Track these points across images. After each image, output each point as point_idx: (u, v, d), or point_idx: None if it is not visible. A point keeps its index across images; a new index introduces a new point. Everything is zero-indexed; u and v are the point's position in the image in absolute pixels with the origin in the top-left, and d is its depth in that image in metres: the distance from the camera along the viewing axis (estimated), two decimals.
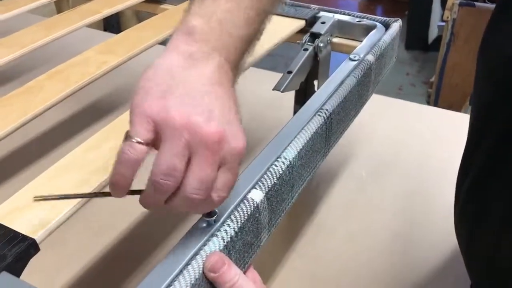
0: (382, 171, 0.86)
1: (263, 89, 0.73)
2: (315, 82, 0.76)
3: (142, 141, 0.33)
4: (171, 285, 0.35)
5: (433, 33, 2.73)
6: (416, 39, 2.92)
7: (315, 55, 0.71)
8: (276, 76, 0.68)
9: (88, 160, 0.48)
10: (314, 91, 0.71)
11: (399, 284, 0.68)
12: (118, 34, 0.72)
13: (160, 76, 0.35)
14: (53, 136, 0.88)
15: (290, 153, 0.47)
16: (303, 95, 0.78)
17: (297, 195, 0.51)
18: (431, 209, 0.78)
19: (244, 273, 0.44)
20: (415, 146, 0.91)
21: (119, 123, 0.53)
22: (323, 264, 0.69)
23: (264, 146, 0.48)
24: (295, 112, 0.70)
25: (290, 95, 0.79)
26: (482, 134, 0.46)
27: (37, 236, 0.39)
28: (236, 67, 0.40)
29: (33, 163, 0.80)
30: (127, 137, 0.34)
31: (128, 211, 0.74)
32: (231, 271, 0.37)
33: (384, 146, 0.92)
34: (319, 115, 0.52)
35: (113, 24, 2.49)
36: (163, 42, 0.79)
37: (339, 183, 0.84)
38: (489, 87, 0.44)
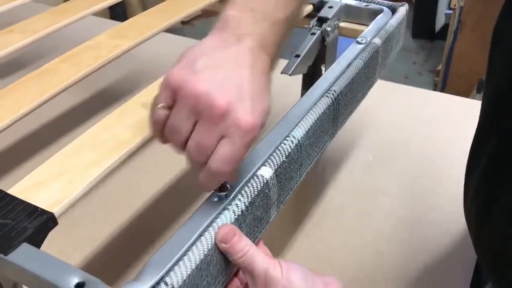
0: (389, 155, 0.87)
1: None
2: (322, 67, 0.77)
3: (162, 106, 0.38)
4: (185, 255, 0.37)
5: (440, 21, 2.73)
6: (423, 27, 2.91)
7: (322, 39, 0.72)
8: (282, 63, 0.69)
9: (102, 140, 0.49)
10: (322, 76, 0.72)
11: (404, 266, 0.69)
12: (127, 20, 0.73)
13: (192, 53, 0.39)
14: (66, 120, 0.90)
15: (299, 132, 0.48)
16: (310, 80, 0.79)
17: (305, 174, 0.52)
18: (437, 192, 0.79)
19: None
20: (422, 131, 0.92)
21: (132, 105, 0.54)
22: (330, 246, 0.70)
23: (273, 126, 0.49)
24: None
25: (297, 82, 0.80)
26: (495, 122, 0.46)
27: (55, 210, 0.41)
28: (272, 52, 0.42)
29: (49, 145, 0.82)
30: (154, 101, 0.39)
31: (141, 190, 0.76)
32: (241, 242, 0.39)
33: (390, 130, 0.93)
34: (327, 96, 0.54)
35: (119, 14, 2.50)
36: (170, 30, 0.80)
37: (346, 167, 0.85)
38: (504, 73, 0.45)
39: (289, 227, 0.74)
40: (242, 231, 0.42)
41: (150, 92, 0.56)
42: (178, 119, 0.38)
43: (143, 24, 0.71)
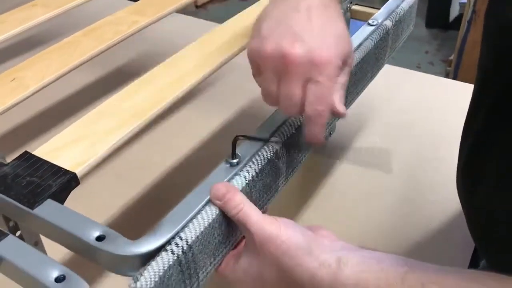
0: (397, 137, 0.89)
1: None
2: None
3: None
4: (199, 214, 0.39)
5: (454, 11, 2.71)
6: (436, 16, 2.89)
7: None
8: None
9: (121, 109, 0.52)
10: None
11: (405, 243, 0.71)
12: None
13: (257, 22, 0.42)
14: (87, 91, 0.94)
15: None
16: None
17: (311, 149, 0.54)
18: (443, 175, 0.81)
19: None
20: (431, 116, 0.94)
21: (149, 78, 0.57)
22: (335, 220, 0.73)
23: None
24: None
25: None
26: (482, 98, 0.49)
27: (77, 170, 0.44)
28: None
29: (72, 112, 0.86)
30: None
31: (155, 162, 0.79)
32: (236, 198, 0.40)
33: (400, 114, 0.95)
34: None
35: None
36: (184, 12, 0.81)
37: (353, 148, 0.87)
38: (488, 52, 0.47)
39: (298, 200, 0.77)
40: (252, 196, 0.44)
41: (166, 66, 0.58)
42: (266, 84, 0.41)
43: (160, 2, 0.73)
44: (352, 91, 0.60)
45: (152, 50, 1.08)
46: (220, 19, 0.74)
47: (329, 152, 0.87)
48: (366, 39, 0.62)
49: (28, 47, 0.98)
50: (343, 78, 0.43)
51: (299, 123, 0.49)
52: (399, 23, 0.68)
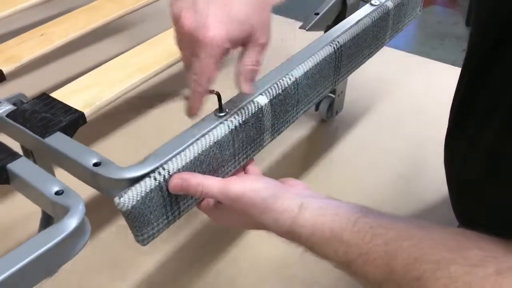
0: (402, 120, 0.93)
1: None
2: None
3: None
4: (182, 152, 0.45)
5: None
6: None
7: (344, 0, 0.78)
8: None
9: (130, 63, 0.58)
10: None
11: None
12: None
13: None
14: (104, 48, 1.01)
15: (297, 72, 0.55)
16: None
17: (302, 112, 0.59)
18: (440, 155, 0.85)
19: (246, 166, 0.54)
20: (438, 100, 0.97)
21: (158, 40, 0.63)
22: (334, 190, 0.78)
23: None
24: None
25: None
26: (464, 75, 0.53)
27: (85, 111, 0.50)
28: None
29: (87, 65, 0.94)
30: None
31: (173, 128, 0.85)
32: (191, 183, 0.44)
33: (407, 99, 0.98)
34: (330, 45, 0.60)
35: None
36: None
37: (357, 128, 0.92)
38: (474, 34, 0.51)
39: (300, 171, 0.82)
40: (234, 145, 0.50)
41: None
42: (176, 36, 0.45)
43: None
44: (346, 64, 0.64)
45: (164, 19, 1.15)
46: None
47: (332, 131, 0.91)
48: (364, 17, 0.66)
49: (58, 10, 1.07)
50: (248, 59, 0.45)
51: (286, 86, 0.54)
52: (401, 6, 0.72)
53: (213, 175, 0.48)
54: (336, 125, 0.92)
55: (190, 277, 0.66)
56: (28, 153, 0.51)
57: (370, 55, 0.70)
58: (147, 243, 0.45)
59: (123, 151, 0.81)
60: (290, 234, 0.43)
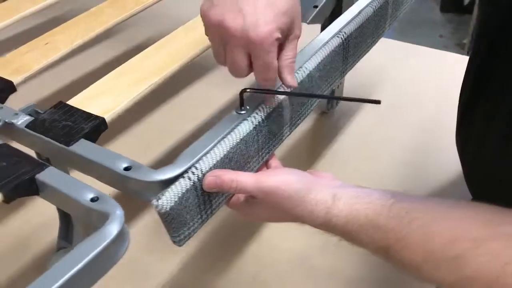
0: (401, 107, 0.94)
1: None
2: None
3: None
4: (211, 150, 0.45)
5: None
6: (451, 1, 2.90)
7: None
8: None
9: (141, 67, 0.58)
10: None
11: None
12: None
13: None
14: (111, 53, 1.01)
15: (310, 65, 0.56)
16: None
17: (316, 104, 0.60)
18: (444, 143, 0.86)
19: (268, 160, 0.54)
20: (435, 88, 0.99)
21: (166, 41, 0.63)
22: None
23: None
24: None
25: None
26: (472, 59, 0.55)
27: (106, 116, 0.50)
28: None
29: (99, 71, 0.94)
30: None
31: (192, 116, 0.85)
32: (225, 179, 0.44)
33: (406, 86, 0.99)
34: (337, 36, 0.61)
35: None
36: None
37: (357, 118, 0.93)
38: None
39: (305, 164, 0.83)
40: (259, 141, 0.50)
41: (178, 34, 0.64)
42: (214, 45, 0.45)
43: None
44: (353, 53, 0.65)
45: (164, 23, 1.15)
46: None
47: (334, 122, 0.92)
48: (366, 6, 0.67)
49: (56, 19, 1.06)
50: (290, 52, 0.46)
51: (301, 78, 0.55)
52: None
53: (240, 171, 0.48)
54: (337, 117, 0.93)
55: (213, 275, 0.67)
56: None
57: (373, 43, 0.71)
58: (183, 244, 0.45)
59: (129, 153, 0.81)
60: (325, 224, 0.44)
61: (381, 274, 0.65)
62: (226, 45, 0.44)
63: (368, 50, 0.70)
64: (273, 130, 0.52)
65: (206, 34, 0.46)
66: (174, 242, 0.45)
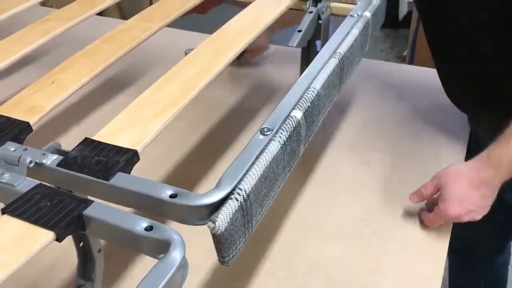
0: (378, 119, 1.00)
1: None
2: (317, 43, 0.89)
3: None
4: (249, 170, 0.48)
5: (403, 10, 2.89)
6: (386, 17, 3.07)
7: (318, 17, 0.84)
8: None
9: (155, 99, 0.59)
10: (316, 51, 0.84)
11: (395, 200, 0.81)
12: (149, 7, 0.83)
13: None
14: (117, 88, 1.03)
15: (317, 84, 0.60)
16: (307, 55, 0.91)
17: (322, 119, 0.64)
18: (419, 146, 0.93)
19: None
20: (403, 99, 1.06)
21: (172, 74, 0.65)
22: (335, 186, 0.83)
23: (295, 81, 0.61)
24: (301, 71, 0.83)
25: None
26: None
27: (137, 147, 0.51)
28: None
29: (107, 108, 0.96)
30: None
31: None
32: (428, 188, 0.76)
33: (380, 99, 1.06)
34: (334, 57, 0.65)
35: None
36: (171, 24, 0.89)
37: (343, 131, 0.98)
38: None
39: (300, 166, 0.86)
40: (284, 158, 0.53)
41: (184, 64, 0.66)
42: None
43: (164, 9, 0.81)
44: (347, 71, 0.70)
45: (159, 55, 1.16)
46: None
47: (321, 133, 0.96)
48: (352, 27, 0.72)
49: (52, 55, 1.06)
50: None
51: (312, 98, 0.58)
52: (375, 14, 0.79)
53: (271, 189, 0.51)
54: (323, 128, 0.98)
55: None
56: None
57: (358, 62, 0.76)
58: (231, 263, 0.47)
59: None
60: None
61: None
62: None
63: (356, 68, 0.75)
64: (294, 148, 0.56)
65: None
66: (223, 262, 0.47)
